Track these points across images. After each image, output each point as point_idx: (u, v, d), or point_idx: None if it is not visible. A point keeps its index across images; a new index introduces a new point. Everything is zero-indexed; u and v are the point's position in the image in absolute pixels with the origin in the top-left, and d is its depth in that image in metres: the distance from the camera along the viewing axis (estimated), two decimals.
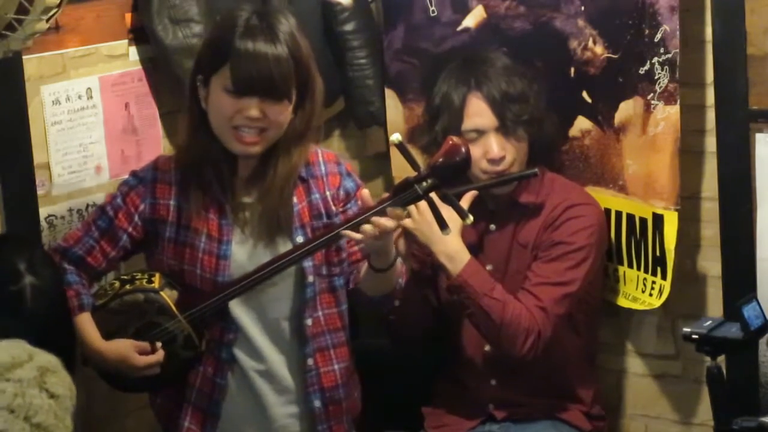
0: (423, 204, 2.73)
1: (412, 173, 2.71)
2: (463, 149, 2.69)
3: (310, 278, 2.78)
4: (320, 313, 2.80)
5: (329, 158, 2.88)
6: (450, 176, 2.71)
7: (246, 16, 2.68)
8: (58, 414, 1.76)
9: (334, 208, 2.82)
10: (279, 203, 2.73)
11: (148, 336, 2.71)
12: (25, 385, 1.75)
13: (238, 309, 2.75)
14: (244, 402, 2.79)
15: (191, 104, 2.73)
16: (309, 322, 2.78)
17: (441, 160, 2.68)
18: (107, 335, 2.70)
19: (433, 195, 2.69)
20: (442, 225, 2.69)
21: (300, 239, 2.76)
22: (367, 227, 2.65)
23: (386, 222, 2.65)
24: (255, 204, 2.75)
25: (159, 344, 2.70)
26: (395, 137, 2.72)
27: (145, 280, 2.73)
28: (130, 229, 2.76)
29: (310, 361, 2.79)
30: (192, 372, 2.76)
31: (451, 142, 2.70)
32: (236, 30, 2.65)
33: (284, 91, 2.67)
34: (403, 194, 2.69)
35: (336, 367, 2.82)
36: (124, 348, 2.69)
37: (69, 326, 2.53)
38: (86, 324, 2.69)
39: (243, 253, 2.74)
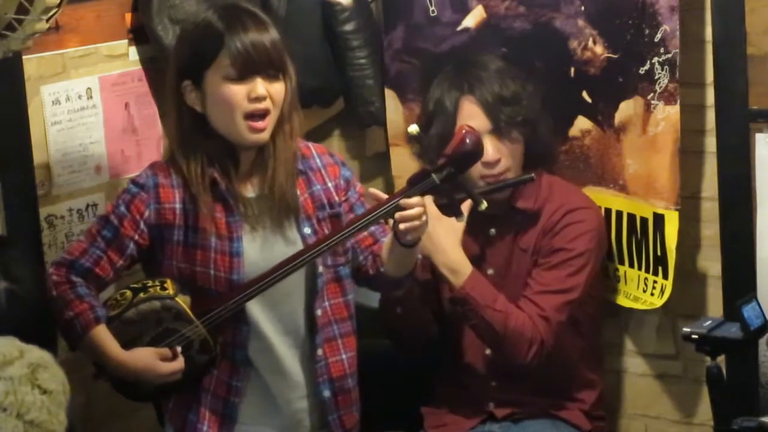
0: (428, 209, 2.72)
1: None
2: (476, 136, 2.67)
3: (320, 269, 2.78)
4: (327, 303, 2.80)
5: (322, 151, 2.89)
6: (465, 165, 2.70)
7: (213, 12, 2.70)
8: (51, 410, 1.76)
9: (337, 198, 2.83)
10: (287, 190, 2.73)
11: (164, 343, 2.68)
12: (17, 383, 1.75)
13: (252, 308, 2.74)
14: (258, 401, 2.79)
15: (181, 113, 2.71)
16: (319, 312, 2.79)
17: (456, 148, 2.66)
18: (123, 345, 2.67)
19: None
20: (457, 212, 2.71)
21: (307, 230, 2.76)
22: (412, 212, 2.62)
23: (418, 202, 2.64)
24: (259, 198, 2.75)
25: (179, 349, 2.67)
26: (413, 128, 2.75)
27: (158, 287, 2.69)
28: (136, 237, 2.73)
29: (319, 352, 2.79)
30: (206, 376, 2.75)
31: (464, 130, 2.67)
32: (216, 23, 2.66)
33: (281, 65, 2.69)
34: (421, 184, 2.66)
35: (344, 356, 2.82)
36: (146, 357, 2.66)
37: (51, 332, 2.45)
38: (104, 336, 2.66)
39: (254, 249, 2.74)
